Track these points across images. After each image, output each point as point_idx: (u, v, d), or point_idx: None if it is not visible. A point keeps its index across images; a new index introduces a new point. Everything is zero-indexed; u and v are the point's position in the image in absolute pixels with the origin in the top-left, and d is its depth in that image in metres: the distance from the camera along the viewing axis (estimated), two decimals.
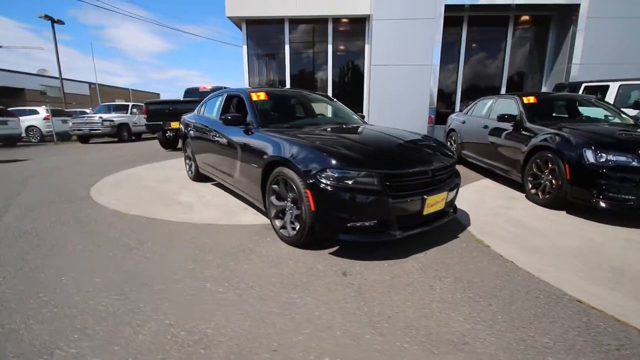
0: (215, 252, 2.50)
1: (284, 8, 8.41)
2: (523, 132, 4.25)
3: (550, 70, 8.53)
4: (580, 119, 4.69)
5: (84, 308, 1.76)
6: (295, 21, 8.81)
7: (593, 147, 3.19)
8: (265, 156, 2.77)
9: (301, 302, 1.84)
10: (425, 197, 2.37)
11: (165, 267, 2.24)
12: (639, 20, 7.48)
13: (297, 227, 2.49)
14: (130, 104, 12.83)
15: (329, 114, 4.04)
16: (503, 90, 8.93)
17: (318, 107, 4.08)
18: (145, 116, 8.61)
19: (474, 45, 8.83)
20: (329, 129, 3.17)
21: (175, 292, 1.93)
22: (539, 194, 3.79)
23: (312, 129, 3.15)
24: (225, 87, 10.04)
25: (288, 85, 9.16)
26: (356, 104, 8.99)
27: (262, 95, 3.53)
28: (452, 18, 8.11)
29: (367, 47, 8.79)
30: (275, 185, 2.72)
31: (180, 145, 7.95)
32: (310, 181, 2.28)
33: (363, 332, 1.59)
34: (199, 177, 4.75)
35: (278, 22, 8.83)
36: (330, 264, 2.29)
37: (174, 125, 8.33)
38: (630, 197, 3.01)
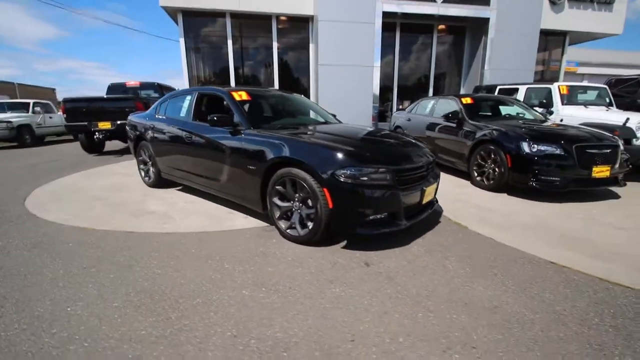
0: (228, 259, 2.41)
1: (225, 2, 8.05)
2: (465, 129, 4.96)
3: (467, 73, 9.92)
4: (504, 117, 5.64)
5: (122, 336, 1.58)
6: (237, 16, 8.50)
7: (528, 140, 3.94)
8: (266, 158, 2.75)
9: (346, 294, 1.95)
10: (424, 188, 2.67)
11: (188, 280, 2.10)
12: (529, 34, 9.20)
13: (311, 226, 2.56)
14: (31, 101, 10.73)
15: (308, 114, 4.10)
16: (431, 91, 10.08)
17: (297, 107, 4.11)
18: (64, 116, 7.37)
19: (406, 49, 9.74)
20: (321, 128, 3.27)
21: (218, 304, 1.85)
22: (484, 180, 4.49)
23: (306, 129, 3.22)
24: (157, 84, 9.23)
25: (233, 83, 8.82)
26: None
27: (244, 95, 3.44)
28: (388, 24, 8.81)
29: (312, 46, 8.99)
30: (279, 187, 2.73)
31: (107, 148, 7.03)
32: (328, 180, 2.38)
33: (415, 312, 1.78)
34: (160, 182, 4.36)
35: (218, 15, 8.42)
36: (349, 258, 2.43)
37: (103, 125, 7.33)
38: (556, 178, 3.81)
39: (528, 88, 6.63)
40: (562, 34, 10.38)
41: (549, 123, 5.00)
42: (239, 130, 3.08)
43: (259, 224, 3.15)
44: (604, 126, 4.78)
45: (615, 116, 5.26)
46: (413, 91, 10.15)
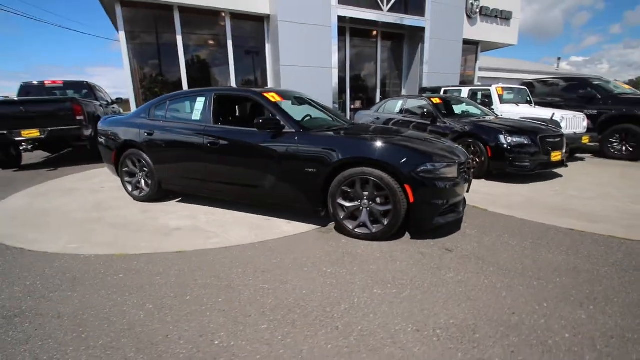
0: (322, 263, 2.37)
1: None
2: (439, 124, 5.61)
3: (407, 76, 10.98)
4: (465, 115, 6.51)
5: (314, 356, 1.48)
6: (187, 10, 7.80)
7: (504, 133, 4.69)
8: (331, 159, 2.74)
9: (462, 277, 2.14)
10: (471, 178, 3.03)
11: (309, 290, 2.01)
12: (455, 42, 10.68)
13: (386, 222, 2.66)
14: None
15: (329, 114, 4.05)
16: (378, 91, 10.87)
17: (316, 107, 4.05)
18: None
19: (355, 52, 10.29)
20: (367, 128, 3.38)
21: (366, 305, 1.84)
22: None
23: (353, 129, 3.29)
24: (87, 82, 7.92)
25: (185, 83, 8.07)
26: None
27: (277, 97, 3.31)
28: (340, 28, 9.18)
29: (268, 46, 8.81)
30: (345, 187, 2.76)
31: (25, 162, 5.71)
32: (409, 176, 2.52)
33: (530, 281, 2.08)
34: (157, 195, 3.87)
35: (164, 8, 7.60)
36: (427, 247, 2.62)
37: (29, 134, 5.96)
38: (527, 163, 4.63)
39: (470, 89, 7.76)
40: (475, 44, 12.30)
41: (500, 118, 6.00)
42: (287, 133, 2.97)
43: (309, 227, 3.10)
44: (538, 119, 5.97)
45: (542, 112, 6.57)
46: (363, 91, 10.79)
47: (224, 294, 1.99)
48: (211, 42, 8.52)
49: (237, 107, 4.37)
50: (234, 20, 8.36)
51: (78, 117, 6.26)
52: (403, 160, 2.56)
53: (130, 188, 4.00)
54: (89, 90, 7.81)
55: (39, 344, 1.57)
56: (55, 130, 6.10)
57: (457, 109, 6.71)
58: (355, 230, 2.80)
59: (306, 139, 2.90)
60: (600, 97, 7.22)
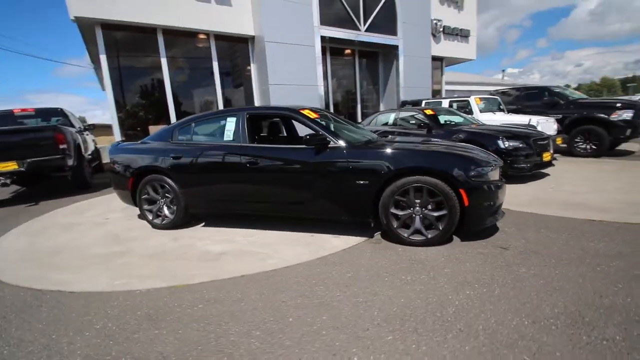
0: (396, 274, 2.39)
1: (155, 16, 7.14)
2: (435, 134, 5.96)
3: (384, 91, 11.52)
4: (452, 123, 6.96)
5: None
6: (171, 33, 7.63)
7: (501, 138, 5.10)
8: (383, 170, 2.82)
9: (535, 271, 2.28)
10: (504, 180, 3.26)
11: (399, 300, 2.03)
12: (425, 59, 11.47)
13: (441, 227, 2.77)
14: None
15: (355, 127, 4.11)
16: (359, 106, 11.27)
17: (341, 121, 4.10)
18: None
19: (335, 70, 10.64)
20: (403, 139, 3.53)
21: (470, 306, 1.90)
22: None
23: (397, 140, 3.44)
24: (60, 109, 7.40)
25: (171, 106, 7.79)
26: None
27: (312, 113, 3.35)
28: (322, 47, 9.49)
29: (253, 66, 8.83)
30: (399, 196, 2.84)
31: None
32: (464, 181, 2.67)
33: (594, 266, 2.27)
34: (184, 220, 3.68)
35: (149, 31, 7.38)
36: (482, 247, 2.76)
37: (5, 167, 5.38)
38: (525, 165, 5.05)
39: (450, 100, 8.34)
40: (440, 59, 13.29)
41: (488, 125, 6.51)
42: (333, 148, 3.01)
43: (357, 239, 3.12)
44: (516, 125, 6.56)
45: (519, 118, 7.23)
46: (345, 107, 11.12)
47: (324, 311, 1.94)
48: (196, 64, 8.37)
49: (263, 126, 4.33)
50: (218, 41, 8.32)
51: (61, 146, 5.79)
52: (457, 167, 2.71)
53: (150, 216, 3.75)
54: (63, 118, 7.26)
55: None
56: (35, 161, 5.57)
57: (442, 118, 7.18)
58: (411, 237, 2.87)
59: (356, 153, 2.96)
60: (562, 102, 8.10)
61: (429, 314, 1.86)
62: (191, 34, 7.96)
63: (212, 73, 8.36)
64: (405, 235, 2.88)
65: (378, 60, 11.38)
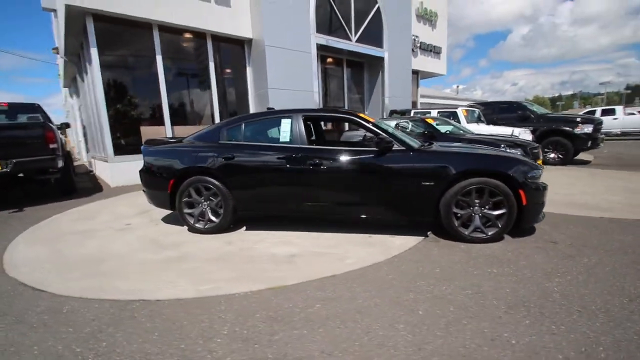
0: (481, 268, 2.57)
1: (151, 10, 6.77)
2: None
3: (369, 100, 11.97)
4: (447, 133, 7.47)
5: None
6: (167, 30, 7.26)
7: (505, 147, 5.62)
8: (451, 172, 3.01)
9: (591, 261, 2.60)
10: None
11: (505, 290, 2.20)
12: (406, 71, 12.14)
13: (500, 224, 3.03)
14: None
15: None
16: None
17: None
18: None
19: (325, 77, 10.83)
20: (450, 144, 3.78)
21: (568, 292, 2.13)
22: None
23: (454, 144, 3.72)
24: (37, 104, 6.69)
25: (165, 106, 7.37)
26: None
27: (369, 118, 3.46)
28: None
29: (249, 69, 8.69)
30: (461, 197, 3.05)
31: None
32: (523, 182, 2.95)
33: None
34: (231, 222, 3.56)
35: (143, 26, 6.95)
36: (534, 242, 3.06)
37: None
38: None
39: (439, 111, 8.94)
40: (416, 73, 14.14)
41: (482, 135, 7.11)
42: (397, 151, 3.15)
43: (415, 239, 3.25)
44: (502, 134, 7.26)
45: (503, 129, 7.98)
46: None
47: (446, 303, 2.05)
48: (192, 63, 8.03)
49: (312, 127, 4.30)
50: (215, 42, 8.08)
51: (51, 146, 5.24)
52: (517, 170, 2.99)
53: (191, 220, 3.56)
54: (42, 114, 6.52)
55: None
56: (22, 162, 4.95)
57: (441, 128, 7.70)
58: (471, 234, 3.09)
59: (421, 156, 3.13)
60: (533, 116, 9.09)
61: (541, 300, 2.05)
62: (188, 32, 7.64)
63: (208, 74, 8.08)
64: (466, 232, 3.09)
65: (363, 70, 11.82)
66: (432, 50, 13.98)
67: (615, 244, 2.95)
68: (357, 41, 10.23)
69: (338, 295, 2.21)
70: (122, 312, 2.10)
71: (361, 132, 7.27)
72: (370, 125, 3.31)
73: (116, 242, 3.42)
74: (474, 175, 3.02)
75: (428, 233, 3.38)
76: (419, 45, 13.16)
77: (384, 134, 3.23)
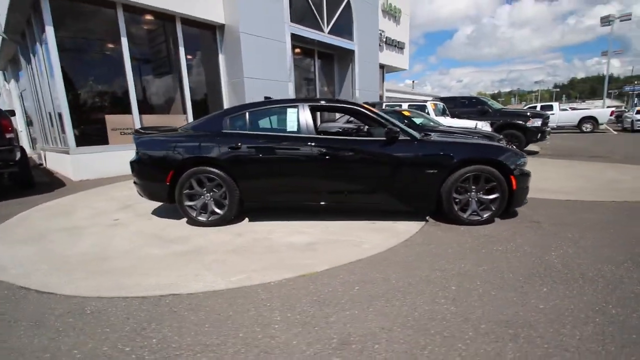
0: (489, 247, 2.84)
1: None
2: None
3: (339, 93, 12.11)
4: (422, 125, 7.87)
5: None
6: (132, 9, 6.67)
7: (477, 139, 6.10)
8: (453, 161, 3.25)
9: (584, 234, 3.00)
10: None
11: (530, 261, 2.48)
12: (374, 64, 12.46)
13: (494, 208, 3.34)
14: None
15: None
16: None
17: None
18: None
19: (297, 68, 10.73)
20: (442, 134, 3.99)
21: (586, 255, 2.45)
22: None
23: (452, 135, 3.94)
24: None
25: (132, 92, 6.81)
26: None
27: (373, 109, 3.57)
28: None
29: (221, 56, 8.33)
30: (460, 183, 3.31)
31: None
32: (513, 169, 3.28)
33: (626, 235, 3.11)
34: (235, 215, 3.48)
35: (106, 4, 6.31)
36: (520, 222, 3.43)
37: None
38: None
39: (409, 105, 9.37)
40: (382, 67, 14.57)
41: (453, 127, 7.61)
42: (403, 140, 3.31)
43: (417, 224, 3.46)
44: (467, 127, 7.87)
45: (467, 122, 8.61)
46: None
47: (472, 279, 2.25)
48: (161, 47, 7.48)
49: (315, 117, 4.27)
50: (185, 26, 7.60)
51: (7, 135, 4.64)
52: (509, 158, 3.31)
53: (193, 213, 3.42)
54: None
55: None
56: None
57: (416, 120, 8.09)
58: (469, 217, 3.37)
59: (425, 145, 3.32)
60: (490, 111, 9.93)
61: (548, 271, 2.34)
62: (156, 14, 7.10)
63: (179, 60, 7.60)
64: (465, 216, 3.37)
65: (334, 62, 11.91)
66: (396, 45, 14.50)
67: (586, 222, 3.41)
68: (329, 33, 10.28)
69: (371, 277, 2.32)
70: (158, 307, 2.00)
71: (339, 124, 7.39)
72: (377, 116, 3.43)
73: (114, 239, 3.18)
74: (472, 163, 3.29)
75: (427, 218, 3.62)
76: (384, 40, 13.58)
77: (391, 125, 3.37)
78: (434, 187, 3.32)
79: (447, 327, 1.74)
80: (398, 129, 3.28)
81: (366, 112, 3.48)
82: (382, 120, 3.41)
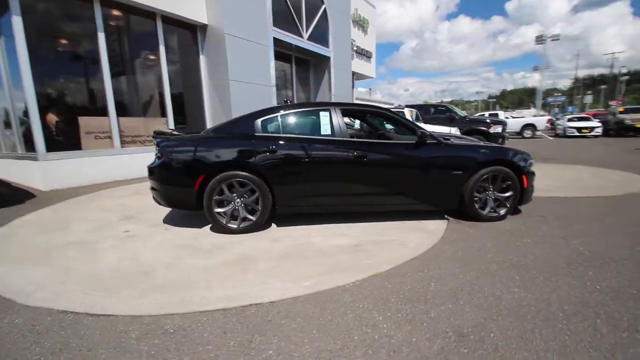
0: (518, 238, 3.11)
1: None
2: None
3: (315, 99, 12.23)
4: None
5: None
6: (110, 4, 6.12)
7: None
8: (475, 163, 3.52)
9: (590, 227, 3.42)
10: None
11: (561, 251, 2.76)
12: (347, 72, 12.82)
13: (509, 205, 3.67)
14: None
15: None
16: None
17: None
18: None
19: (276, 73, 10.64)
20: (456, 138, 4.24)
21: (593, 245, 2.79)
22: None
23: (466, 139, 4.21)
24: None
25: (109, 92, 6.22)
26: (200, 118, 8.01)
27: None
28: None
29: (202, 57, 7.97)
30: (480, 183, 3.59)
31: None
32: (525, 169, 3.64)
33: (627, 225, 3.58)
34: (268, 221, 3.40)
35: None
36: (528, 217, 3.80)
37: None
38: None
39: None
40: (353, 74, 15.01)
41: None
42: (431, 144, 3.50)
43: (442, 222, 3.66)
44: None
45: (441, 128, 9.24)
46: None
47: (527, 269, 2.47)
48: (140, 46, 6.95)
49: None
50: (166, 25, 7.17)
51: None
52: (520, 158, 3.67)
53: (223, 220, 3.25)
54: None
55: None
56: None
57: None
58: (488, 213, 3.66)
59: (452, 148, 3.55)
60: (457, 118, 10.77)
61: (581, 257, 2.64)
62: (135, 10, 6.61)
63: (158, 60, 7.13)
64: (484, 213, 3.65)
65: (309, 68, 12.03)
66: (365, 54, 15.09)
67: (582, 214, 3.89)
68: (308, 39, 10.38)
69: (437, 273, 2.43)
70: (248, 319, 1.90)
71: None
72: (405, 120, 3.59)
73: (141, 252, 2.90)
74: (491, 164, 3.59)
75: (446, 216, 3.84)
76: (355, 48, 14.05)
77: (420, 129, 3.55)
78: (458, 187, 3.55)
79: (539, 312, 1.90)
80: (427, 133, 3.47)
81: (394, 116, 3.62)
82: (410, 125, 3.57)
